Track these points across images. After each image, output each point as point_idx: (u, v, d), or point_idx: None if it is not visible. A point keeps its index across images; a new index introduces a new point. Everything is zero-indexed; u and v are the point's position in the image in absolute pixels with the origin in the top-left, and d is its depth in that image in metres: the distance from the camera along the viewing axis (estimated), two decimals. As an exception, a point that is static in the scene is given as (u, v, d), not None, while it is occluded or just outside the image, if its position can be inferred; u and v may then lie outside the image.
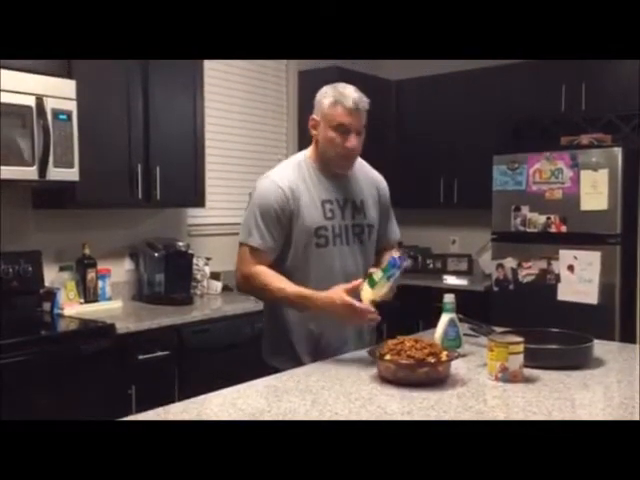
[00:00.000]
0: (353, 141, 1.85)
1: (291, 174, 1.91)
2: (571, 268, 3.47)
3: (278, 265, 1.89)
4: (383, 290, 1.73)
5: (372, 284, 1.73)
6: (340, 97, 1.84)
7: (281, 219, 1.86)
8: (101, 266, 3.12)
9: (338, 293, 1.72)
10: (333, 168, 1.92)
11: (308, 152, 1.98)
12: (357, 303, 1.71)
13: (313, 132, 1.92)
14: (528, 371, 1.69)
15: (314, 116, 1.91)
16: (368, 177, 2.05)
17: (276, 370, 1.81)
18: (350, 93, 1.85)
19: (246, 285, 1.91)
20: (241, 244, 1.91)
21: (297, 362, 1.87)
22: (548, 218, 3.55)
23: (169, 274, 3.21)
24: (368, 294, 1.72)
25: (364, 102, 1.86)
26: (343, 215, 1.94)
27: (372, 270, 1.79)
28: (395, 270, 1.71)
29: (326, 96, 1.87)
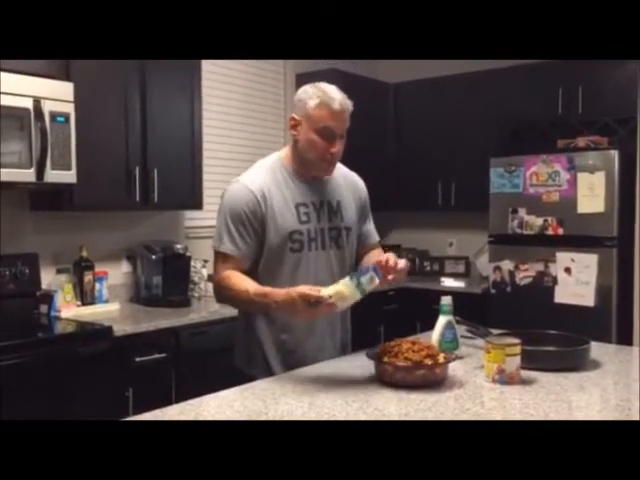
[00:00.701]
0: (338, 146, 1.80)
1: (263, 177, 1.84)
2: (568, 270, 3.48)
3: (252, 272, 1.82)
4: (342, 290, 1.60)
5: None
6: (326, 98, 1.76)
7: (253, 224, 1.79)
8: (98, 268, 3.12)
9: (296, 288, 1.62)
10: (313, 171, 1.86)
11: (282, 153, 1.92)
12: (311, 291, 1.58)
13: (292, 132, 1.83)
14: (525, 373, 1.69)
15: (295, 115, 1.82)
16: (346, 178, 1.99)
17: (249, 378, 1.75)
18: (335, 94, 1.78)
19: (218, 293, 1.84)
20: (215, 252, 1.84)
21: (269, 373, 1.82)
22: (545, 220, 3.56)
23: (166, 276, 3.21)
24: (326, 290, 1.61)
25: (349, 104, 1.80)
26: (319, 218, 1.87)
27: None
28: (359, 276, 1.61)
29: (311, 96, 1.77)
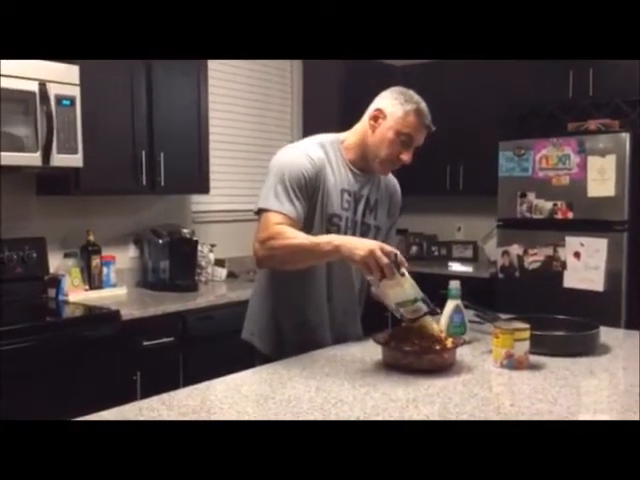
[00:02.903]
0: (408, 155, 1.82)
1: (320, 151, 1.83)
2: (577, 255, 3.45)
3: None
4: (410, 286, 1.59)
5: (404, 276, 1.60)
6: (421, 110, 1.80)
7: (309, 190, 1.76)
8: (105, 253, 3.12)
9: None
10: (372, 166, 1.86)
11: (342, 136, 1.90)
12: (390, 247, 1.58)
13: (372, 122, 1.82)
14: (534, 358, 1.68)
15: (383, 109, 1.80)
16: (387, 180, 2.00)
17: (258, 352, 1.84)
18: (428, 111, 1.83)
19: (266, 249, 1.68)
20: (266, 211, 1.72)
21: (281, 350, 1.82)
22: (554, 204, 3.53)
23: (173, 261, 3.21)
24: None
25: (432, 126, 1.85)
26: (355, 210, 1.88)
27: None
28: (424, 300, 1.61)
29: (409, 101, 1.79)
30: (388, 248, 1.57)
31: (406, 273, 1.59)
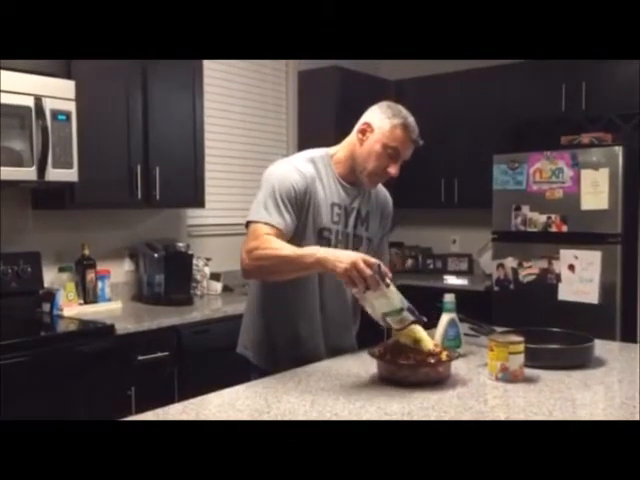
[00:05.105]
0: (395, 169, 1.83)
1: (310, 167, 1.85)
2: (572, 268, 3.47)
3: None
4: (394, 296, 1.59)
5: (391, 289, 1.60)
6: (408, 123, 1.80)
7: (298, 203, 1.78)
8: (100, 267, 3.11)
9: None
10: (360, 179, 1.87)
11: (332, 151, 1.92)
12: (373, 259, 1.58)
13: (360, 136, 1.84)
14: (529, 371, 1.68)
15: (371, 122, 1.83)
16: (378, 192, 2.01)
17: (254, 366, 1.85)
18: (415, 126, 1.83)
19: (252, 259, 1.69)
20: (255, 223, 1.75)
21: (275, 363, 1.84)
22: (549, 217, 3.55)
23: (169, 275, 3.21)
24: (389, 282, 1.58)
25: (419, 141, 1.85)
26: (346, 223, 1.89)
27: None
28: (410, 310, 1.61)
29: (396, 115, 1.81)
30: (371, 260, 1.57)
31: (390, 284, 1.58)
